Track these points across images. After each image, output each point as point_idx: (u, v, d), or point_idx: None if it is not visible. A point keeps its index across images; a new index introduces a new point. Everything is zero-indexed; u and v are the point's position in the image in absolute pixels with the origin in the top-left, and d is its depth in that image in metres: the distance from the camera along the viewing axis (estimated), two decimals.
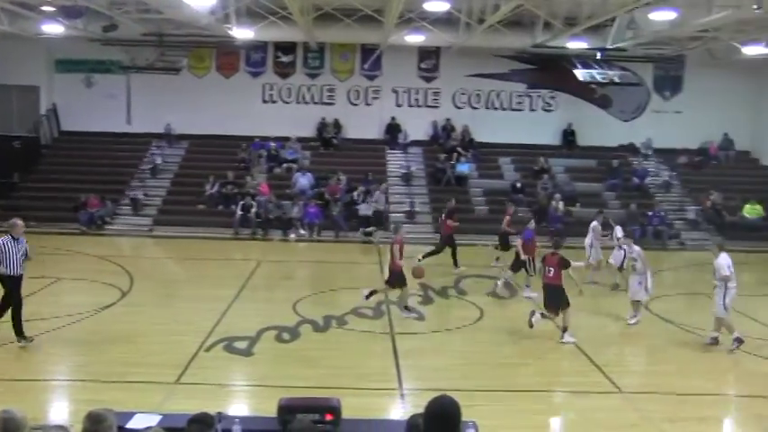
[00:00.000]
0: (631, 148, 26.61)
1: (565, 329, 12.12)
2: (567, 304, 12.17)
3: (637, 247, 13.56)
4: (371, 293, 13.59)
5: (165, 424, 5.29)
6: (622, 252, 14.51)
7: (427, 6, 18.18)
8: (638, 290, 13.19)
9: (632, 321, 13.22)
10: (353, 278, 17.09)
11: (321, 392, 8.06)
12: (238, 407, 9.28)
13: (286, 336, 11.95)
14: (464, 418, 3.89)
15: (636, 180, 24.80)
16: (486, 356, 11.33)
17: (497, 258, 17.38)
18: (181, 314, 13.24)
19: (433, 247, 18.17)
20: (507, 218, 17.45)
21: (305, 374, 10.04)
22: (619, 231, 16.28)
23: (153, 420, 5.58)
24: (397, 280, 13.41)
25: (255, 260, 18.57)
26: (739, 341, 11.75)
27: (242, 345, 11.34)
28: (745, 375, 11.07)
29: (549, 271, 12.39)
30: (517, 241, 15.68)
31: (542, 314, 12.29)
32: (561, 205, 22.56)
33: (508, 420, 8.66)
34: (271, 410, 5.66)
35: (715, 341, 12.05)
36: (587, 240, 17.01)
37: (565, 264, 12.28)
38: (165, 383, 9.47)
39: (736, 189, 23.93)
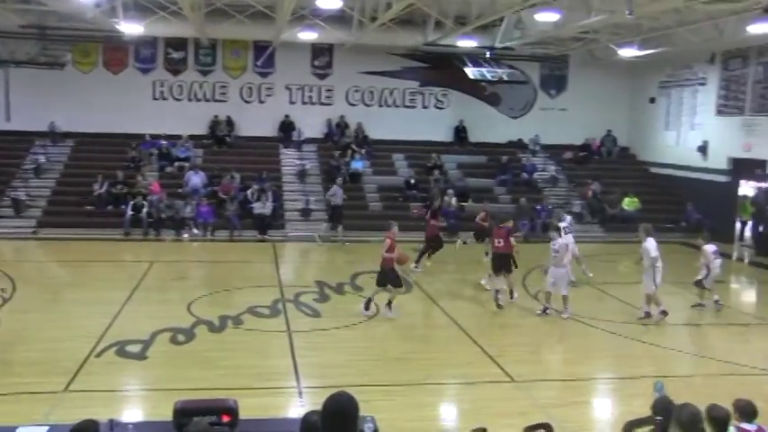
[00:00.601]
0: (520, 145, 27.53)
1: (511, 292, 14.47)
2: (511, 270, 14.42)
3: (561, 240, 13.70)
4: (388, 303, 13.39)
5: None
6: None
7: (320, 4, 18.22)
8: (563, 284, 13.48)
9: (564, 315, 13.48)
10: (248, 277, 16.95)
11: (218, 394, 7.97)
12: (132, 412, 9.06)
13: (181, 337, 11.74)
14: (362, 413, 3.97)
15: (525, 175, 25.67)
16: (383, 351, 11.51)
17: (486, 253, 17.59)
18: (69, 319, 12.76)
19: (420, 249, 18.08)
20: (483, 213, 18.47)
21: (201, 376, 9.91)
22: (565, 222, 16.64)
23: None
24: (386, 277, 13.30)
25: (148, 261, 18.11)
26: (664, 313, 13.29)
27: (135, 348, 11.07)
28: (622, 358, 11.69)
29: (499, 242, 14.44)
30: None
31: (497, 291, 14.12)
32: (454, 200, 23.09)
33: (405, 414, 8.84)
34: (166, 414, 5.58)
35: (648, 315, 13.39)
36: None
37: (510, 233, 14.53)
38: (53, 393, 9.12)
39: (617, 183, 25.15)
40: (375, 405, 8.36)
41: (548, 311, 13.60)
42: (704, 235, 14.78)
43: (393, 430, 8.15)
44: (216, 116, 25.98)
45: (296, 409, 8.89)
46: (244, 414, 5.56)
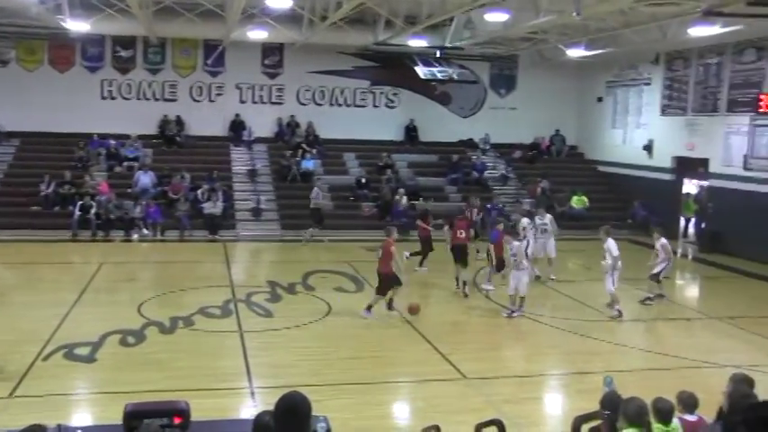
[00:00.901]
0: (470, 144, 27.77)
1: (464, 284, 15.17)
2: (467, 263, 15.51)
3: (517, 243, 13.78)
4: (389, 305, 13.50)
5: None
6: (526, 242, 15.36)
7: (270, 3, 18.11)
8: (521, 285, 13.53)
9: (515, 315, 13.52)
10: (199, 278, 16.79)
11: (169, 396, 7.90)
12: (81, 417, 8.94)
13: (131, 339, 11.59)
14: (315, 413, 3.99)
15: (475, 174, 25.92)
16: (335, 351, 11.51)
17: (478, 251, 17.67)
18: (14, 322, 12.46)
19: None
20: (474, 210, 19.05)
21: (152, 378, 9.79)
22: (525, 222, 16.77)
23: None
24: (388, 283, 13.24)
25: (96, 262, 17.82)
26: (620, 313, 13.75)
27: (84, 351, 10.88)
28: (572, 355, 11.91)
29: (461, 233, 15.44)
30: (489, 245, 15.65)
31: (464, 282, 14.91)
32: (405, 199, 23.19)
33: (358, 413, 8.89)
34: (116, 418, 5.52)
35: (620, 314, 13.79)
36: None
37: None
38: None
39: (566, 182, 25.56)
40: (328, 404, 8.39)
41: (514, 314, 13.63)
42: (659, 230, 15.21)
43: (346, 429, 8.19)
44: (165, 115, 25.64)
45: (248, 410, 8.85)
46: (195, 416, 5.54)
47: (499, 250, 14.99)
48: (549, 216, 17.41)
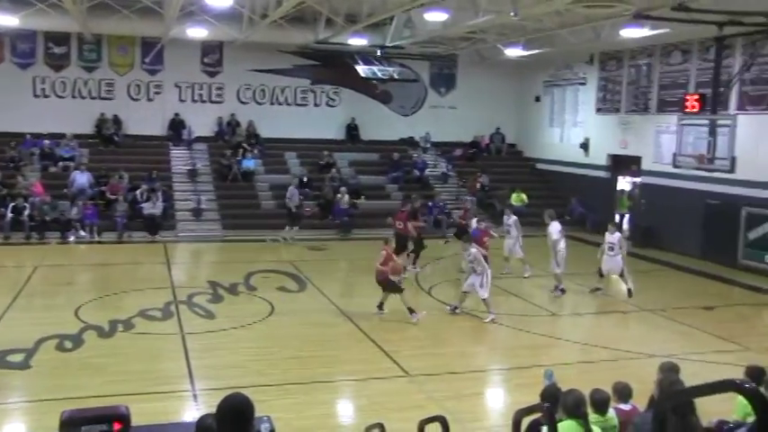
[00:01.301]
0: (411, 142, 27.95)
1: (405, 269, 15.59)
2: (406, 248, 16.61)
3: (474, 249, 13.69)
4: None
5: None
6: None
7: (209, 0, 17.92)
8: (480, 288, 13.46)
9: (487, 319, 13.45)
10: (139, 280, 16.55)
11: (108, 401, 7.79)
12: (15, 426, 8.72)
13: (68, 344, 11.33)
14: (258, 413, 4.00)
15: (416, 172, 26.09)
16: (278, 351, 11.48)
17: (446, 241, 17.70)
18: None
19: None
20: (463, 212, 19.35)
21: (90, 384, 9.60)
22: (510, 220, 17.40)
23: None
24: (389, 287, 13.33)
25: (31, 266, 17.34)
26: (563, 291, 15.14)
27: (17, 358, 10.59)
28: (513, 350, 12.16)
29: (400, 224, 16.62)
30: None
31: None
32: (347, 198, 23.23)
33: (302, 412, 8.90)
34: (52, 426, 5.40)
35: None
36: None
37: (411, 217, 16.79)
38: None
39: (505, 180, 25.95)
40: (271, 405, 8.37)
41: (457, 311, 13.74)
42: (613, 224, 16.20)
43: (290, 429, 8.20)
44: (102, 114, 25.07)
45: (191, 413, 8.77)
46: (136, 420, 5.47)
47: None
48: (514, 217, 17.63)
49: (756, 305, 15.53)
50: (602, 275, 15.37)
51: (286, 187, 24.21)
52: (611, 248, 15.02)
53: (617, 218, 23.89)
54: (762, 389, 5.26)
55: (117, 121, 25.16)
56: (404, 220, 16.86)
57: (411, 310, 13.15)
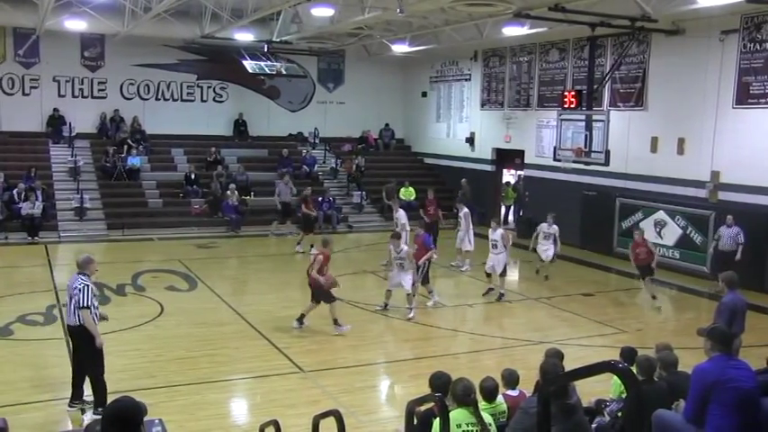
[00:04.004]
0: (300, 138, 27.92)
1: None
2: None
3: (405, 247, 13.77)
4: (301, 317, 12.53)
5: None
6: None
7: None
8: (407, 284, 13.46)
9: (410, 315, 13.45)
10: (18, 283, 15.78)
11: None
12: None
13: None
14: (150, 416, 3.95)
15: (306, 168, 26.06)
16: (169, 352, 11.25)
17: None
18: None
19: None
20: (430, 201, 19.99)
21: None
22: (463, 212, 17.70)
23: None
24: (322, 295, 12.36)
25: None
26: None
27: None
28: (404, 342, 12.42)
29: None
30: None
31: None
32: (236, 195, 22.96)
33: (195, 413, 8.80)
34: None
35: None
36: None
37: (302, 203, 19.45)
38: None
39: (393, 174, 26.27)
40: (163, 407, 8.29)
41: (388, 307, 13.76)
42: (496, 219, 16.56)
43: (183, 431, 8.12)
44: None
45: (79, 421, 8.51)
46: None
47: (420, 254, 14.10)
48: (465, 210, 17.78)
49: (629, 290, 16.48)
50: (488, 274, 15.46)
51: (174, 184, 23.83)
52: (495, 246, 15.11)
53: (503, 210, 24.73)
54: (633, 368, 5.68)
55: None
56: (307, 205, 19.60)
57: (336, 322, 12.46)
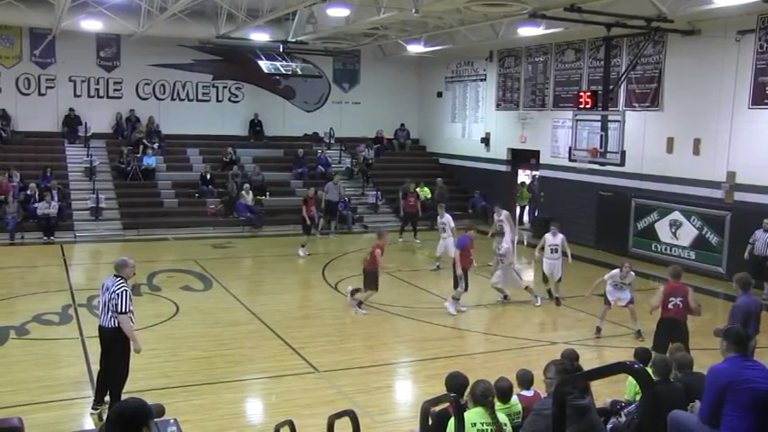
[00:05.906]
0: (315, 138, 27.93)
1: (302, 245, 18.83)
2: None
3: (506, 245, 14.75)
4: (355, 291, 13.85)
5: None
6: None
7: None
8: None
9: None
10: (34, 283, 15.85)
11: (1, 413, 7.50)
12: None
13: None
14: (166, 416, 3.94)
15: (321, 168, 26.07)
16: (184, 351, 11.28)
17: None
18: None
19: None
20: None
21: None
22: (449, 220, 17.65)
23: None
24: (372, 281, 13.56)
25: None
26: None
27: None
28: (419, 342, 12.34)
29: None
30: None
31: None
32: (251, 195, 23.01)
33: (210, 413, 8.80)
34: None
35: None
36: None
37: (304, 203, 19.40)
38: None
39: (409, 174, 26.21)
40: (179, 407, 8.29)
41: (508, 298, 14.67)
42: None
43: (199, 431, 8.13)
44: None
45: (92, 420, 8.53)
46: (32, 431, 5.31)
47: (465, 260, 14.03)
48: (447, 216, 17.74)
49: (646, 290, 16.33)
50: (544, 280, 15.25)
51: (190, 184, 23.92)
52: (554, 251, 14.82)
53: (518, 210, 24.65)
54: (648, 369, 5.63)
55: (5, 115, 23.99)
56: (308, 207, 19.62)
57: (360, 305, 13.61)
